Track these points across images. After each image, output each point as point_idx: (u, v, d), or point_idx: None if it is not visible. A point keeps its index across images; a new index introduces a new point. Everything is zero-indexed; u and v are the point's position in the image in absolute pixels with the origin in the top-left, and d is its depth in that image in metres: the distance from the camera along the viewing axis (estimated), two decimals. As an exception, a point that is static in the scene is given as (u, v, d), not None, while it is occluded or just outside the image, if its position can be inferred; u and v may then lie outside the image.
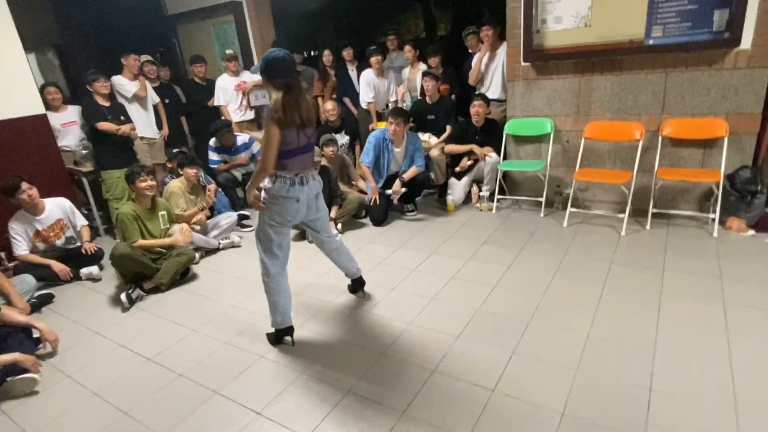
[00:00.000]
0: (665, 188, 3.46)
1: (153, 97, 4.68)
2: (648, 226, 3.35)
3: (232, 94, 4.94)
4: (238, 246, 3.87)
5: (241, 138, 4.62)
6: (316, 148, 4.09)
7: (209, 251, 3.78)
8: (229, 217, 3.97)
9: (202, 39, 6.13)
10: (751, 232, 3.11)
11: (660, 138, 3.35)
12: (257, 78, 5.03)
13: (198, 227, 3.73)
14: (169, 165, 4.45)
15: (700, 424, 1.66)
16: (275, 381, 2.12)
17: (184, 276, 3.31)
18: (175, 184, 3.75)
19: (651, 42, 3.22)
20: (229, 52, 4.98)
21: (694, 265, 2.77)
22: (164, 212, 3.39)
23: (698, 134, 3.25)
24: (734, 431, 1.61)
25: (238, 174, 4.66)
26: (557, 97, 3.74)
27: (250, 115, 5.10)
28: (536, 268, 2.93)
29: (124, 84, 4.38)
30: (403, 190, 3.97)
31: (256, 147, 4.65)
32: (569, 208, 3.60)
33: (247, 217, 4.38)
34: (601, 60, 3.45)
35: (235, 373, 2.21)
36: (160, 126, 4.75)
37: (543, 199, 3.84)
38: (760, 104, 3.07)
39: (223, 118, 4.84)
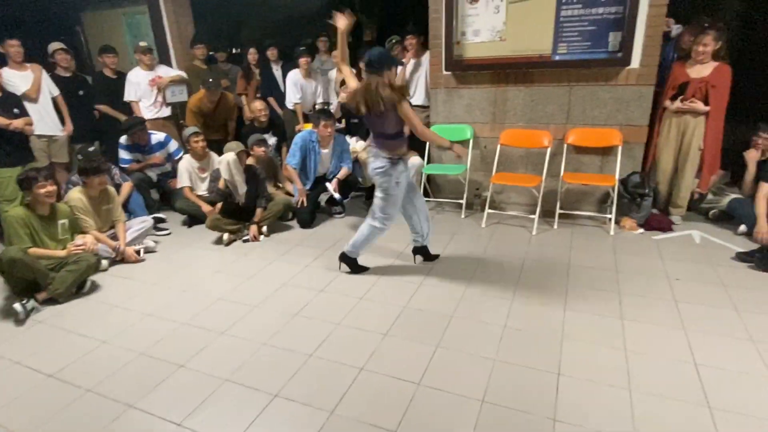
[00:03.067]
0: (570, 191, 3.80)
1: (51, 89, 4.23)
2: (555, 226, 3.67)
3: (146, 89, 4.63)
4: (154, 251, 3.63)
5: (156, 136, 4.34)
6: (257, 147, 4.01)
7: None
8: (143, 221, 3.69)
9: (111, 29, 5.68)
10: (641, 230, 3.52)
11: (565, 146, 3.69)
12: (174, 73, 4.81)
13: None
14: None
15: (600, 402, 1.85)
16: (196, 390, 2.03)
17: (80, 289, 2.97)
18: (75, 197, 3.24)
19: (557, 57, 3.54)
20: (143, 44, 4.67)
21: (594, 261, 3.07)
22: (65, 221, 3.05)
23: (597, 143, 3.61)
24: (628, 406, 1.82)
25: (153, 174, 4.37)
26: (476, 106, 3.96)
27: (166, 111, 4.81)
28: (458, 266, 3.08)
29: (11, 78, 3.91)
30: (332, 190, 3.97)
31: (172, 146, 4.40)
32: (487, 210, 3.83)
33: (163, 220, 4.12)
34: (514, 72, 3.72)
35: (151, 384, 2.08)
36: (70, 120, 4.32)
37: (464, 202, 4.04)
38: (647, 117, 3.49)
39: (134, 114, 4.53)
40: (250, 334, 2.43)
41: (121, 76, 4.64)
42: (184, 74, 4.89)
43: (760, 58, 4.74)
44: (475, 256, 3.22)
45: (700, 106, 3.32)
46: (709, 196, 3.66)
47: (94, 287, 3.06)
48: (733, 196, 3.50)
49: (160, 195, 4.58)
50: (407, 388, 1.97)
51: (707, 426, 1.71)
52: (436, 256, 3.21)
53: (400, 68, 4.40)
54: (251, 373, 2.12)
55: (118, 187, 3.77)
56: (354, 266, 3.04)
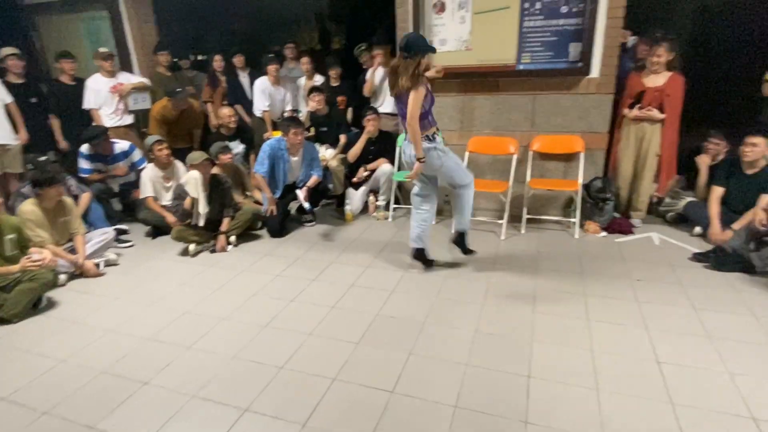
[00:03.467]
0: (536, 197, 3.89)
1: (3, 97, 4.03)
2: (523, 230, 3.75)
3: (107, 96, 4.47)
4: (116, 264, 3.49)
5: (120, 145, 4.19)
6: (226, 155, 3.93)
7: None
8: (104, 234, 3.53)
9: (69, 34, 5.47)
10: (604, 233, 3.64)
11: (530, 152, 3.78)
12: (136, 80, 4.68)
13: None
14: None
15: (569, 403, 1.89)
16: (162, 408, 1.95)
17: (36, 306, 2.81)
18: (28, 209, 3.08)
19: (521, 67, 3.63)
20: (103, 50, 4.51)
21: (560, 264, 3.15)
22: (12, 236, 2.86)
23: (561, 149, 3.72)
24: (595, 406, 1.87)
25: (114, 184, 4.21)
26: (444, 113, 4.01)
27: (128, 119, 4.66)
28: (430, 272, 3.10)
29: None
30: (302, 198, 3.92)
31: (137, 155, 4.26)
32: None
33: (125, 232, 3.97)
34: (480, 81, 3.80)
35: (113, 404, 1.99)
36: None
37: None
38: (607, 124, 3.62)
39: (94, 123, 4.36)
40: (218, 347, 2.37)
41: (80, 83, 4.47)
42: (147, 81, 4.76)
43: (710, 69, 5.01)
44: (446, 261, 3.25)
45: (656, 114, 3.47)
46: (667, 200, 3.83)
47: (51, 303, 2.91)
48: (689, 199, 3.67)
49: (122, 205, 4.42)
50: (380, 397, 1.96)
51: (670, 422, 1.77)
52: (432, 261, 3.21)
53: (368, 75, 4.47)
54: (219, 388, 2.06)
55: (76, 198, 3.61)
56: (466, 243, 3.15)
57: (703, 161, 3.67)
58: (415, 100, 2.62)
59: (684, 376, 2.02)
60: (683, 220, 3.69)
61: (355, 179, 4.29)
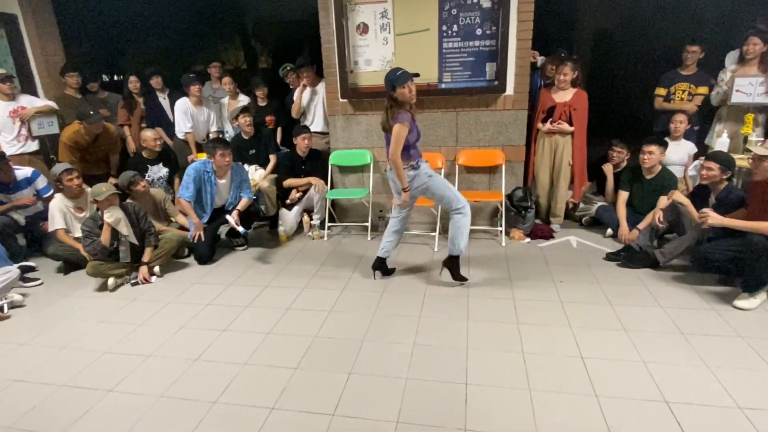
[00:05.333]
0: (466, 208, 4.05)
1: None
2: (455, 242, 3.88)
3: (6, 121, 4.09)
4: (21, 305, 3.15)
5: (22, 172, 3.82)
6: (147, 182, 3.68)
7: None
8: (6, 273, 3.14)
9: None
10: (528, 239, 3.87)
11: (457, 166, 3.95)
12: (40, 103, 4.32)
13: None
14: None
15: (504, 405, 1.96)
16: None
17: None
18: None
19: (443, 86, 3.81)
20: (0, 71, 4.13)
21: (490, 271, 3.29)
22: None
23: (484, 162, 3.92)
24: (528, 405, 1.95)
25: (20, 217, 3.82)
26: (374, 131, 4.09)
27: (33, 146, 4.28)
28: (367, 289, 3.11)
29: None
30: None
31: (41, 182, 3.90)
32: (392, 231, 3.93)
33: (32, 269, 3.60)
34: (406, 99, 3.92)
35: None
36: None
37: (369, 224, 4.12)
38: (524, 138, 3.88)
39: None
40: (144, 387, 2.20)
41: (-27, 107, 4.05)
42: (53, 104, 4.40)
43: (610, 85, 5.55)
44: (381, 277, 3.27)
45: (566, 126, 3.77)
46: (581, 205, 4.15)
47: (-60, 357, 2.56)
48: (600, 203, 4.01)
49: (28, 240, 4.01)
50: (321, 422, 1.92)
51: (595, 413, 1.90)
52: (393, 270, 3.33)
53: (295, 95, 4.46)
54: (147, 430, 1.91)
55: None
56: (458, 268, 3.10)
57: (608, 169, 4.04)
58: (396, 137, 2.73)
59: (605, 368, 2.18)
60: (597, 223, 4.01)
61: (288, 201, 4.22)
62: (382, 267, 3.24)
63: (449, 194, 2.95)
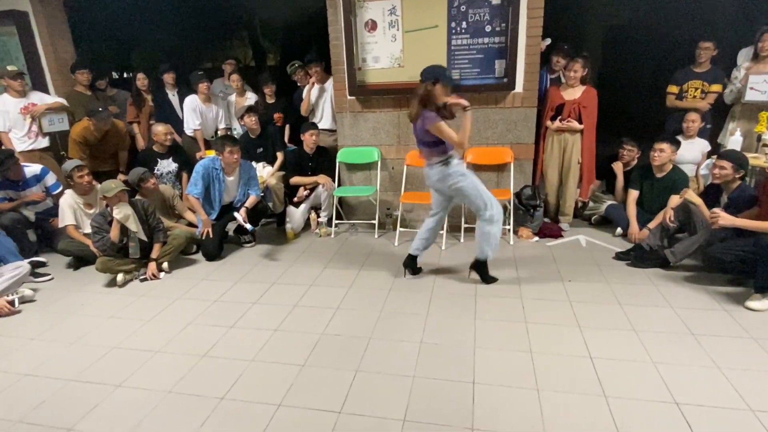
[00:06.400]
0: (473, 206, 4.03)
1: None
2: (462, 240, 3.86)
3: (17, 118, 4.12)
4: (32, 300, 3.18)
5: (31, 169, 3.86)
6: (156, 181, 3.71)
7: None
8: (17, 268, 3.19)
9: (-31, 51, 5.00)
10: (536, 238, 3.84)
11: (465, 164, 3.92)
12: (51, 99, 4.35)
13: None
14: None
15: (512, 405, 1.95)
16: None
17: None
18: None
19: (452, 83, 3.78)
20: (11, 68, 4.16)
21: (498, 269, 3.25)
22: None
23: (493, 160, 3.90)
24: (536, 406, 1.94)
25: (30, 213, 3.86)
26: (381, 129, 4.08)
27: (44, 142, 4.31)
28: (374, 287, 3.10)
29: None
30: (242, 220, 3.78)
31: (50, 179, 3.94)
32: (399, 229, 3.93)
33: (43, 264, 3.64)
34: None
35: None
36: None
37: (376, 222, 4.11)
38: (533, 136, 3.84)
39: (2, 147, 4.00)
40: (152, 383, 2.22)
41: (-16, 103, 4.09)
42: (63, 101, 4.44)
43: (621, 82, 5.50)
44: (390, 274, 3.27)
45: (575, 124, 3.74)
46: (590, 204, 4.11)
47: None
48: (609, 202, 3.97)
49: (39, 236, 4.06)
50: (328, 419, 1.91)
51: (604, 413, 1.88)
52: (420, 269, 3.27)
53: (304, 93, 4.45)
54: (154, 427, 1.92)
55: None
56: (486, 271, 3.05)
57: (618, 167, 3.99)
58: (440, 131, 2.72)
59: (614, 368, 2.15)
60: (606, 222, 3.97)
61: (296, 199, 4.23)
62: (412, 265, 3.21)
63: (479, 203, 2.85)
